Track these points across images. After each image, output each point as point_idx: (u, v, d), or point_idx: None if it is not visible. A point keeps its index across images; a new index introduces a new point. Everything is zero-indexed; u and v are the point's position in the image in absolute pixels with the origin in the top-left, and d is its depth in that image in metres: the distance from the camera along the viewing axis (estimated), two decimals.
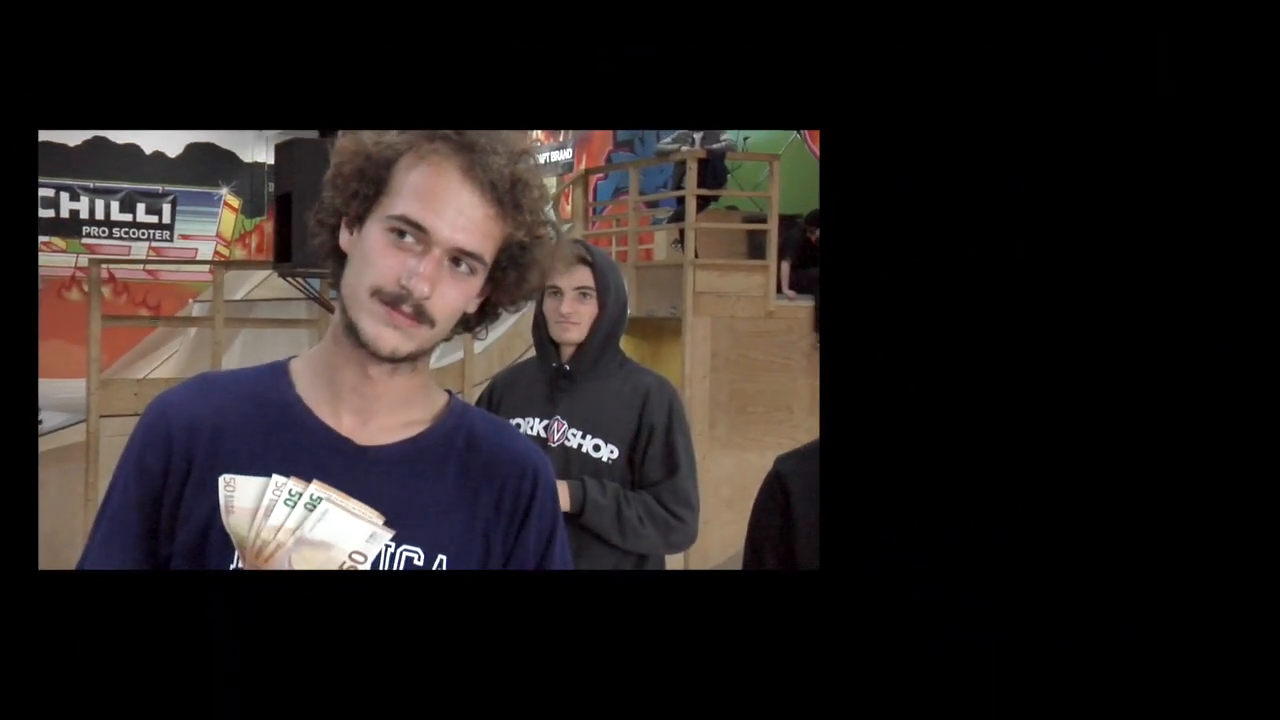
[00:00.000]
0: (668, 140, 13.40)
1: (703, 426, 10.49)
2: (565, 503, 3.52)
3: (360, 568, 1.63)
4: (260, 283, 16.28)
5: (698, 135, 13.18)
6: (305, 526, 1.61)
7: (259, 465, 1.72)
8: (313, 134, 9.08)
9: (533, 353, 4.06)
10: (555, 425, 3.72)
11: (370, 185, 1.73)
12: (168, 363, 17.33)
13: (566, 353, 3.79)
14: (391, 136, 1.73)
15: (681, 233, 12.05)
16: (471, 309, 1.80)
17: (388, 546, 1.72)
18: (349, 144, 1.75)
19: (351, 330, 1.72)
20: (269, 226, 17.11)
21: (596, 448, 3.71)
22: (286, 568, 1.61)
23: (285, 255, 8.81)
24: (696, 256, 11.19)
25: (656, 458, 3.76)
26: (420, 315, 1.69)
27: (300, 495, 1.62)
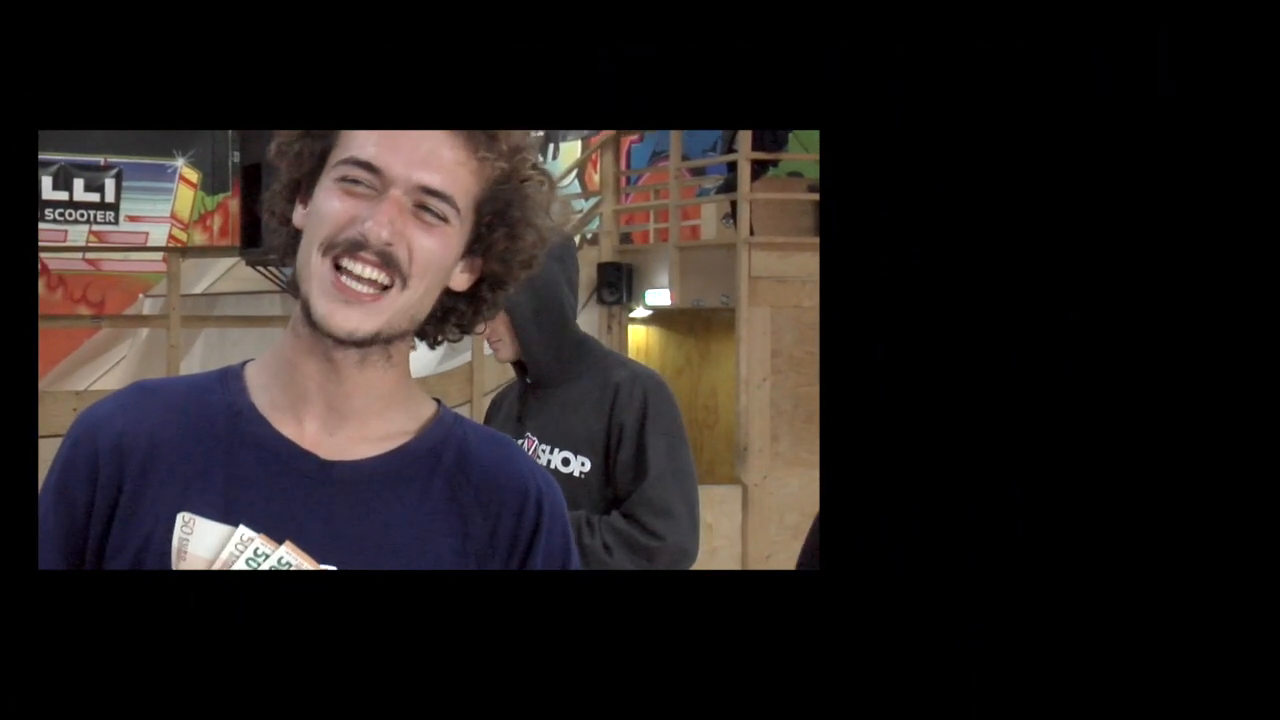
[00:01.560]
0: None
1: (762, 441, 10.57)
2: None
3: None
4: (225, 273, 16.45)
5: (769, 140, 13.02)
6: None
7: (199, 489, 1.72)
8: None
9: None
10: (527, 444, 3.79)
11: (318, 140, 1.74)
12: (114, 370, 17.33)
13: (535, 366, 3.91)
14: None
15: (734, 205, 11.93)
16: (462, 284, 1.78)
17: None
18: (286, 138, 1.78)
19: (306, 316, 1.70)
20: (234, 205, 16.73)
21: (566, 461, 3.79)
22: None
23: (254, 240, 8.81)
24: (752, 234, 11.13)
25: (627, 462, 3.79)
26: (389, 262, 1.65)
27: (268, 556, 1.65)
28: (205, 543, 1.64)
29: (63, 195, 21.75)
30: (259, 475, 1.72)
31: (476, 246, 1.75)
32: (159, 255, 16.45)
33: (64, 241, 20.86)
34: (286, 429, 1.74)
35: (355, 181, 1.66)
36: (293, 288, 1.74)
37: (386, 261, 1.64)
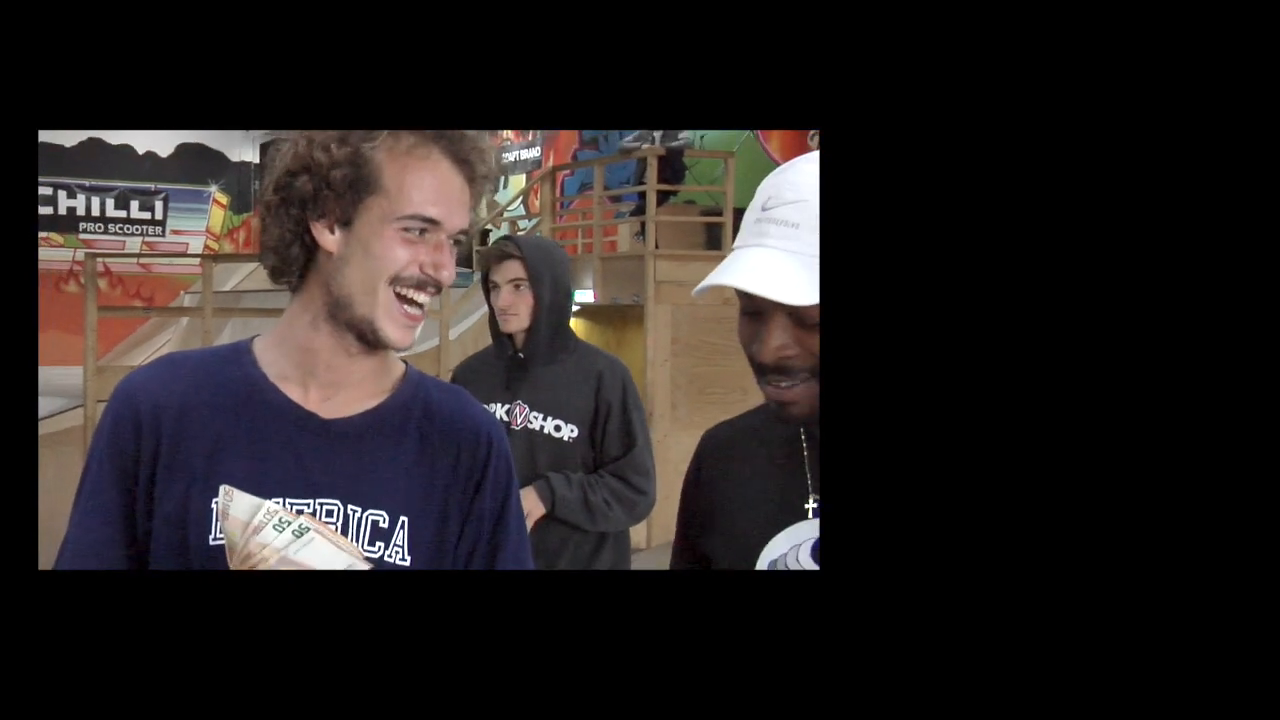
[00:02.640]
0: (630, 138, 13.32)
1: (664, 408, 10.59)
2: (536, 505, 3.58)
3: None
4: (247, 275, 16.49)
5: (657, 134, 12.89)
6: (290, 549, 1.58)
7: (226, 442, 1.73)
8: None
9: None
10: (517, 410, 3.73)
11: (360, 187, 1.70)
12: (162, 349, 16.98)
13: (520, 340, 3.80)
14: (355, 137, 1.71)
15: (643, 225, 12.03)
16: None
17: (354, 511, 1.74)
18: (308, 150, 1.73)
19: (357, 325, 1.71)
20: (255, 222, 16.63)
21: (558, 428, 3.72)
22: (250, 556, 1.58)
23: None
24: (657, 247, 11.19)
25: (615, 434, 3.78)
26: (439, 289, 1.73)
27: (290, 524, 1.59)
28: (241, 508, 1.56)
29: (122, 214, 22.06)
30: (274, 432, 1.73)
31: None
32: (196, 261, 16.30)
33: (123, 249, 21.03)
34: (293, 395, 1.76)
35: (421, 232, 1.69)
36: (283, 275, 1.80)
37: (438, 290, 1.72)
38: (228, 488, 1.61)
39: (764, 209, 1.59)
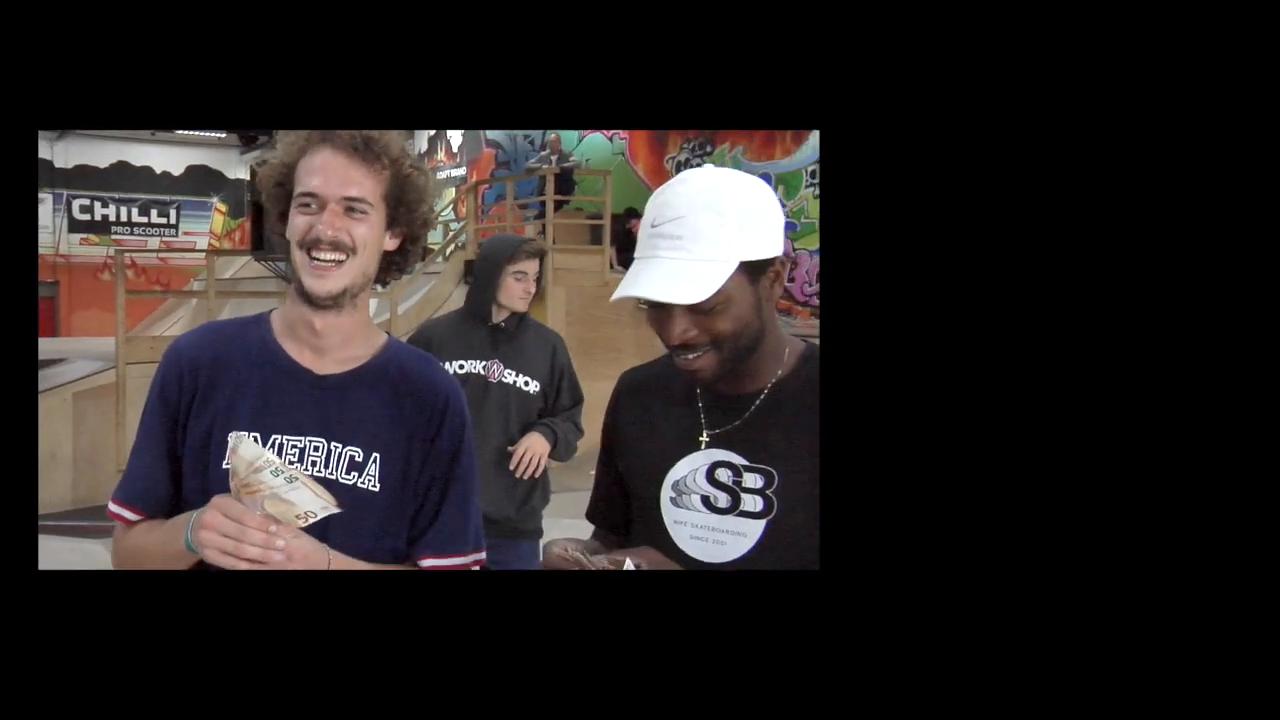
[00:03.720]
0: (533, 160, 14.07)
1: None
2: (542, 444, 3.67)
3: (308, 522, 1.54)
4: (241, 266, 16.43)
5: (554, 157, 13.80)
6: (280, 489, 1.52)
7: (242, 389, 1.71)
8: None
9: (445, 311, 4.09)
10: (494, 367, 3.68)
11: (285, 189, 1.71)
12: (175, 325, 17.30)
13: (501, 315, 3.73)
14: (282, 155, 1.72)
15: (544, 226, 12.23)
16: (391, 245, 1.76)
17: (336, 447, 1.71)
18: (263, 177, 1.75)
19: (299, 289, 1.70)
20: (247, 225, 17.25)
21: (526, 383, 3.69)
22: (259, 510, 1.51)
23: (259, 246, 9.28)
24: (555, 243, 11.46)
25: (568, 390, 3.81)
26: (334, 250, 1.66)
27: (283, 473, 1.52)
28: (248, 449, 1.50)
29: (144, 219, 22.61)
30: (277, 382, 1.72)
31: (394, 222, 1.75)
32: (202, 255, 16.16)
33: (145, 247, 21.34)
34: (293, 353, 1.75)
35: (307, 205, 1.67)
36: (286, 278, 1.70)
37: (337, 246, 1.67)
38: (238, 433, 1.56)
39: (653, 226, 1.52)
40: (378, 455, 1.73)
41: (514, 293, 3.70)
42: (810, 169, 12.32)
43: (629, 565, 1.49)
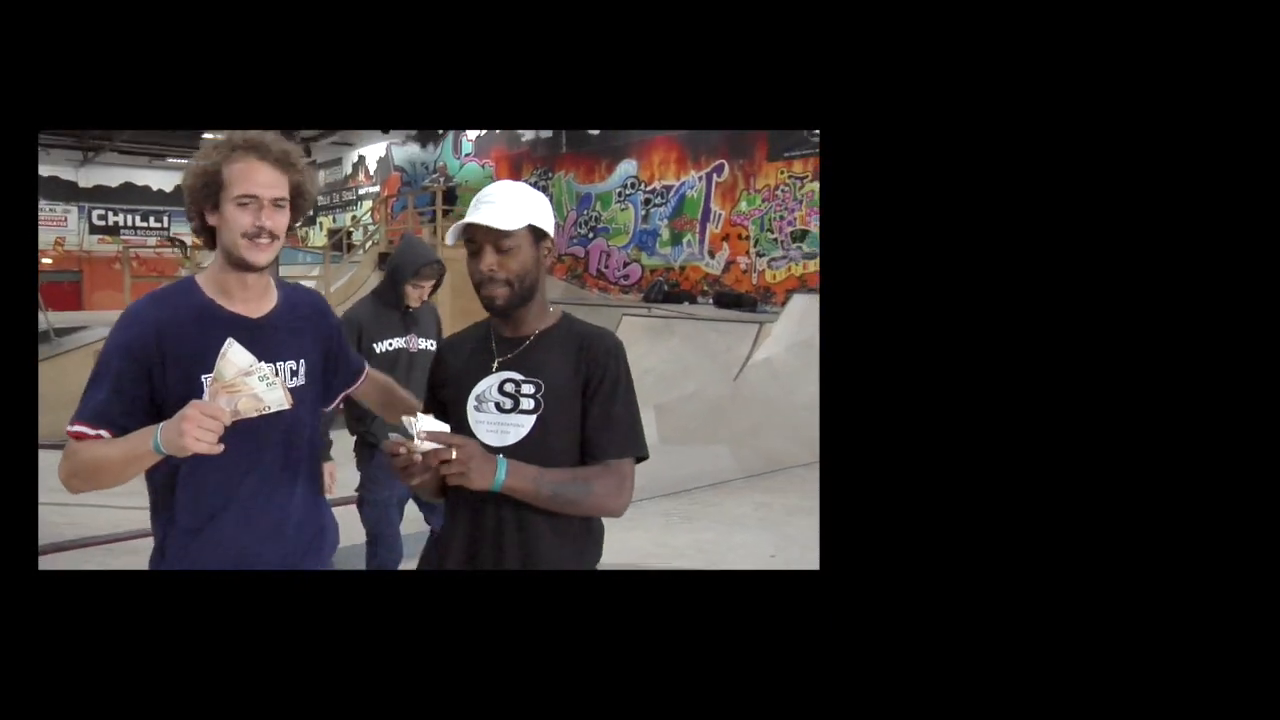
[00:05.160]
0: (427, 181, 14.69)
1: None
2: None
3: (263, 413, 1.52)
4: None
5: (442, 179, 14.71)
6: (259, 390, 1.49)
7: (200, 342, 1.63)
8: None
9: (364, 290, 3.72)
10: (411, 340, 3.49)
11: (213, 188, 1.67)
12: None
13: (416, 302, 3.58)
14: (204, 162, 1.68)
15: (435, 227, 12.83)
16: (293, 222, 1.74)
17: (279, 364, 1.71)
18: (192, 176, 1.69)
19: (236, 261, 1.67)
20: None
21: (431, 345, 3.49)
22: (229, 406, 1.48)
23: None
24: (442, 240, 11.64)
25: None
26: (270, 236, 1.66)
27: (267, 378, 1.49)
28: (239, 355, 1.51)
29: (145, 224, 24.16)
30: (225, 330, 1.63)
31: (295, 209, 1.73)
32: (187, 249, 16.79)
33: (145, 244, 22.00)
34: (229, 307, 1.71)
35: (245, 205, 1.65)
36: (210, 245, 1.71)
37: (272, 235, 1.65)
38: (230, 340, 1.53)
39: (477, 200, 1.62)
40: (303, 362, 1.76)
41: (412, 296, 3.49)
42: (617, 191, 13.18)
43: (420, 430, 1.44)
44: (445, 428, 1.51)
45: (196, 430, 1.45)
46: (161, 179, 24.49)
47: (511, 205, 1.62)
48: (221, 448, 1.47)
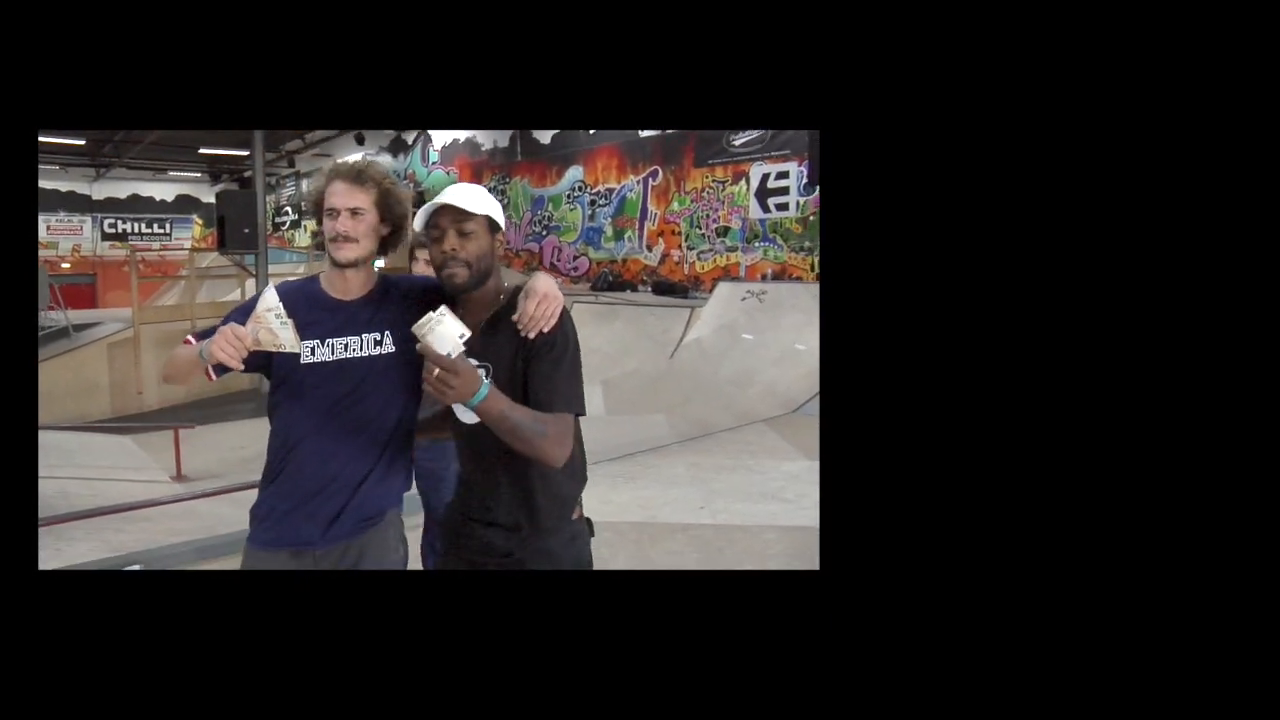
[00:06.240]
0: (398, 188, 14.40)
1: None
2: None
3: (280, 350, 1.56)
4: (211, 260, 16.45)
5: (412, 185, 14.69)
6: (274, 326, 1.53)
7: (305, 315, 1.67)
8: (234, 186, 9.41)
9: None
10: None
11: (319, 207, 1.74)
12: (171, 298, 17.75)
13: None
14: (314, 187, 1.77)
15: (411, 229, 12.94)
16: (385, 232, 1.77)
17: (366, 336, 1.76)
18: (309, 201, 1.79)
19: (331, 258, 1.73)
20: (214, 233, 16.87)
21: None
22: (252, 334, 1.53)
23: (222, 244, 10.02)
24: (413, 229, 12.17)
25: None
26: (346, 239, 1.70)
27: (280, 316, 1.53)
28: (269, 298, 1.56)
29: (149, 230, 24.22)
30: (327, 309, 1.72)
31: (384, 218, 1.75)
32: (186, 253, 17.31)
33: (150, 249, 22.75)
34: (333, 293, 1.75)
35: (330, 216, 1.70)
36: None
37: (347, 238, 1.69)
38: (270, 285, 1.60)
39: (441, 194, 1.61)
40: (390, 333, 1.75)
41: (419, 266, 3.20)
42: (567, 193, 13.14)
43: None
44: (466, 331, 1.50)
45: (222, 341, 1.52)
46: (164, 190, 24.45)
47: (473, 197, 1.64)
48: (242, 366, 1.54)
